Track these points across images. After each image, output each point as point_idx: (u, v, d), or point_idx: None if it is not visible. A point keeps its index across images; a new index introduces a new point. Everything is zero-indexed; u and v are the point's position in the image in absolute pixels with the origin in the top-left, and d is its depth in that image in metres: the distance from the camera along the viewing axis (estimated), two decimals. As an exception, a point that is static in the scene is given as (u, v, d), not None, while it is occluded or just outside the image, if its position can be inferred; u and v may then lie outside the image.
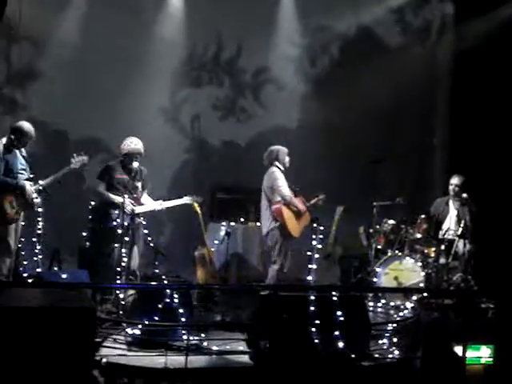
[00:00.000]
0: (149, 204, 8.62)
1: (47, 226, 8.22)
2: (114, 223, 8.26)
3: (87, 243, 8.78)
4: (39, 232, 8.02)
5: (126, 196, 8.22)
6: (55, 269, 8.68)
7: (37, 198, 8.01)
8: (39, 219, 8.01)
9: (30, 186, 7.96)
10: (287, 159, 8.87)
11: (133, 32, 10.43)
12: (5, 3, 6.53)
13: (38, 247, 8.02)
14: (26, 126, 8.08)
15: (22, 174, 8.01)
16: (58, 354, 4.68)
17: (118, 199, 8.29)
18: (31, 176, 8.07)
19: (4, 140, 7.99)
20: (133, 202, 8.33)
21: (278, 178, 8.70)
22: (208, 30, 11.05)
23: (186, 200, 8.79)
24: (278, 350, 4.98)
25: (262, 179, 8.80)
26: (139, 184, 8.56)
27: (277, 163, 8.80)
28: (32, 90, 10.41)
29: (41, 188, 7.99)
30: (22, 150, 8.08)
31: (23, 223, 8.11)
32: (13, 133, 8.02)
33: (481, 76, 10.71)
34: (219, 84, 11.37)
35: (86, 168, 8.48)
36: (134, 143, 8.48)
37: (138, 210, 8.46)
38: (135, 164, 8.40)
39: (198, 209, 9.05)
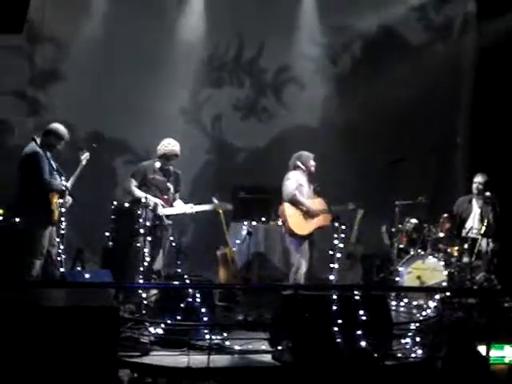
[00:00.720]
0: (179, 206, 8.68)
1: (70, 226, 8.27)
2: (141, 221, 8.29)
3: (110, 243, 8.82)
4: (62, 232, 8.06)
5: (150, 196, 8.29)
6: (78, 269, 8.72)
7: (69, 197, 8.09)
8: (62, 219, 8.05)
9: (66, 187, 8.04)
10: (312, 163, 8.84)
11: (154, 33, 10.47)
12: (27, 4, 6.56)
13: (62, 247, 8.06)
14: (62, 128, 8.12)
15: (56, 175, 8.06)
16: (81, 353, 4.71)
17: (149, 200, 8.33)
18: (63, 177, 8.13)
19: (38, 141, 8.02)
20: (162, 202, 8.40)
21: (288, 178, 8.73)
22: (229, 30, 11.07)
23: (215, 207, 8.83)
24: (300, 350, 4.97)
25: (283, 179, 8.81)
26: (172, 186, 8.61)
27: (298, 163, 8.77)
28: (55, 91, 10.46)
29: (64, 189, 8.04)
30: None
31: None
32: (48, 135, 8.05)
33: (503, 74, 10.66)
34: (240, 84, 11.37)
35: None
36: (171, 145, 8.61)
37: (167, 211, 8.51)
38: (157, 164, 8.45)
39: (222, 212, 9.08)
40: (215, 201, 8.84)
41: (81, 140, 10.03)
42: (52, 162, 8.06)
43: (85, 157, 8.24)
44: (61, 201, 7.96)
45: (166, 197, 8.55)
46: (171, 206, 8.62)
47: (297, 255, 8.61)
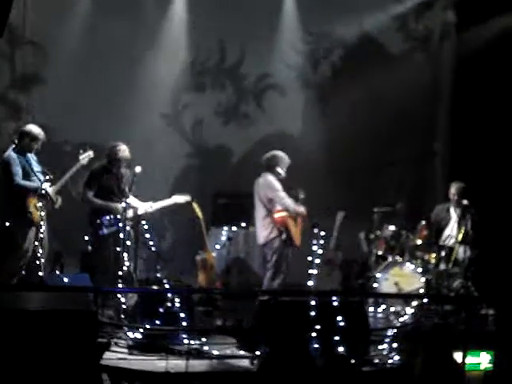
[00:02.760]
0: (140, 206, 8.61)
1: (49, 229, 8.26)
2: (105, 230, 8.28)
3: (89, 247, 8.80)
4: (41, 235, 8.05)
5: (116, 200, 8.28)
6: (57, 272, 8.70)
7: (57, 198, 8.10)
8: (41, 223, 8.03)
9: (50, 188, 8.02)
10: (284, 169, 8.81)
11: (136, 37, 10.48)
12: (9, 8, 6.55)
13: (40, 251, 8.04)
14: (35, 129, 8.12)
15: (38, 176, 8.05)
16: (60, 357, 4.71)
17: (110, 205, 8.31)
18: (51, 177, 8.13)
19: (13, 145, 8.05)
20: (125, 206, 8.33)
21: (277, 190, 8.60)
22: (211, 36, 11.07)
23: (174, 199, 8.78)
24: (276, 356, 5.01)
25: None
26: (126, 188, 8.54)
27: (278, 169, 8.75)
28: (36, 95, 10.43)
29: (43, 192, 8.03)
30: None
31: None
32: (22, 137, 8.05)
33: (482, 83, 10.74)
34: (221, 89, 11.39)
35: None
36: (123, 150, 8.49)
37: (130, 214, 8.46)
38: (138, 168, 8.41)
39: (200, 213, 9.09)
40: (174, 195, 8.81)
41: (61, 144, 10.03)
42: (33, 163, 8.06)
43: (86, 156, 8.24)
44: (40, 204, 7.95)
45: (123, 199, 8.39)
46: (132, 207, 8.54)
47: (281, 261, 8.64)
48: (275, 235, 8.61)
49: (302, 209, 8.70)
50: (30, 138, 8.06)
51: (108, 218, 8.28)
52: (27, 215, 7.89)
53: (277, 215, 8.61)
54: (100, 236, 8.36)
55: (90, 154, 8.29)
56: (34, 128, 8.13)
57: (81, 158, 8.23)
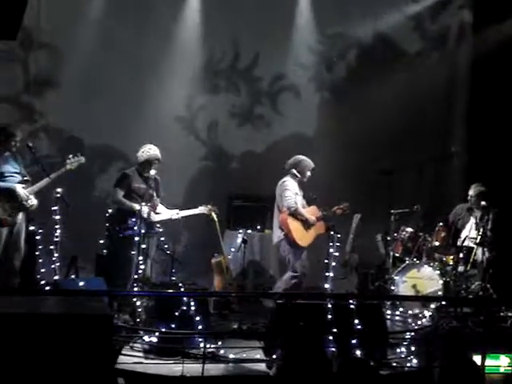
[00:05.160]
0: (165, 213, 8.64)
1: (65, 233, 8.24)
2: (131, 231, 8.27)
3: (104, 251, 8.79)
4: (56, 240, 8.03)
5: (143, 204, 8.26)
6: (72, 276, 8.69)
7: (30, 199, 8.01)
8: (57, 227, 8.03)
9: (21, 189, 7.97)
10: (308, 174, 8.80)
11: (150, 40, 10.46)
12: (23, 11, 6.54)
13: (56, 255, 8.03)
14: (11, 127, 8.12)
15: (13, 177, 8.03)
16: (74, 362, 4.68)
17: (137, 207, 8.31)
18: (25, 179, 8.09)
19: None
20: (151, 210, 8.37)
21: (287, 189, 8.65)
22: (225, 38, 11.05)
23: (201, 210, 8.84)
24: (292, 359, 4.95)
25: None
26: (154, 193, 8.56)
27: (294, 171, 8.75)
28: (49, 98, 10.41)
29: (59, 196, 8.02)
30: (16, 153, 8.12)
31: (36, 229, 8.17)
32: None
33: (499, 83, 10.66)
34: (236, 91, 11.35)
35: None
36: (152, 150, 8.53)
37: (156, 218, 8.49)
38: (153, 172, 8.41)
39: (215, 216, 9.05)
40: (202, 206, 8.83)
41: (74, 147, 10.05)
42: (11, 163, 8.03)
43: (76, 161, 8.21)
44: (9, 205, 7.93)
45: (150, 204, 8.46)
46: (157, 213, 8.57)
47: (296, 264, 8.59)
48: (280, 234, 8.65)
49: (305, 213, 8.63)
50: (5, 137, 8.02)
51: (135, 220, 8.26)
52: None
53: (281, 215, 8.61)
54: (121, 238, 8.34)
55: (81, 159, 8.27)
56: (8, 126, 8.13)
57: (68, 162, 8.20)
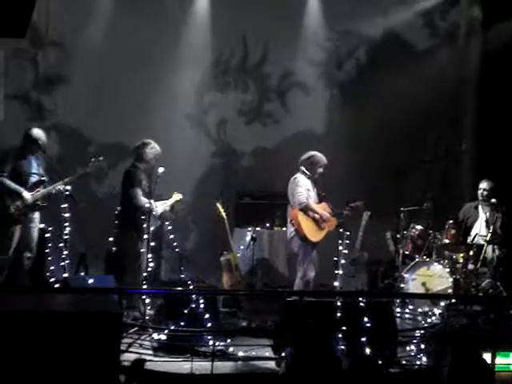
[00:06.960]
0: (159, 206, 8.61)
1: (74, 231, 8.25)
2: (145, 226, 8.26)
3: (114, 248, 8.79)
4: (66, 237, 8.05)
5: (152, 201, 8.24)
6: (82, 274, 8.71)
7: (37, 200, 8.10)
8: (66, 224, 8.05)
9: (27, 192, 8.03)
10: (319, 170, 8.70)
11: (159, 38, 10.46)
12: (32, 8, 6.54)
13: (65, 252, 8.05)
14: (35, 132, 8.19)
15: (32, 176, 8.10)
16: (83, 359, 4.68)
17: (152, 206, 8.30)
18: (42, 178, 8.15)
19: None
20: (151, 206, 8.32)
21: (298, 185, 8.56)
22: (234, 35, 11.04)
23: (174, 198, 8.78)
24: (302, 357, 4.94)
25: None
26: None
27: (303, 168, 8.69)
28: (59, 95, 10.44)
29: (67, 194, 8.04)
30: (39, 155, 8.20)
31: (45, 227, 8.20)
32: (23, 139, 8.18)
33: (508, 79, 10.62)
34: (245, 89, 11.33)
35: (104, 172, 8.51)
36: (157, 146, 8.53)
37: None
38: (161, 169, 8.35)
39: (224, 214, 9.04)
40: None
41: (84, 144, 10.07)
42: (32, 164, 8.13)
43: (95, 164, 8.26)
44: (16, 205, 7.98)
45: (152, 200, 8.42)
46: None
47: (306, 261, 8.54)
48: (292, 230, 8.60)
49: (317, 208, 8.59)
50: (29, 141, 8.18)
51: (143, 217, 8.24)
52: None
53: (292, 211, 8.56)
54: (131, 235, 8.33)
55: (103, 164, 8.33)
56: (33, 131, 8.25)
57: (90, 165, 8.26)
